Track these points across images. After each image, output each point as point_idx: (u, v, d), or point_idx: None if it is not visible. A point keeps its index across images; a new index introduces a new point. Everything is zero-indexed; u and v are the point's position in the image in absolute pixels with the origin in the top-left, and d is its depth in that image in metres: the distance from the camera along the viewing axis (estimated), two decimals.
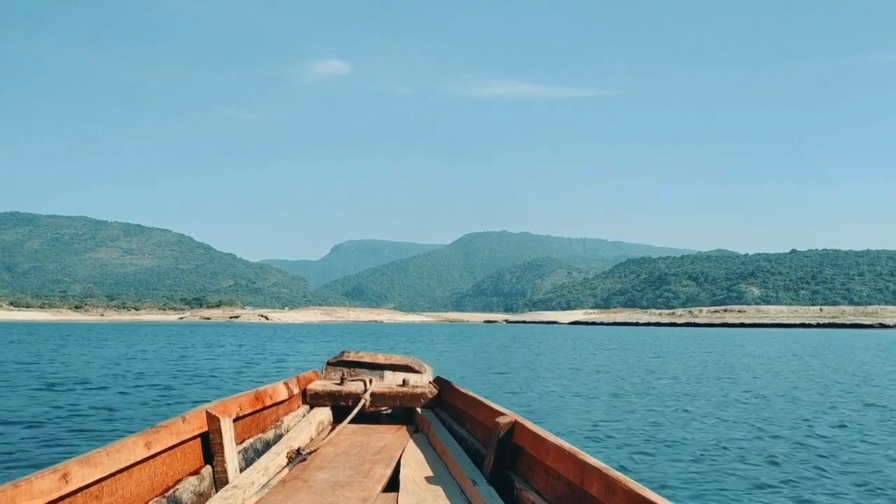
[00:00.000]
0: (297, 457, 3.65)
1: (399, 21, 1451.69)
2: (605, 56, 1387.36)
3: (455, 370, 18.00)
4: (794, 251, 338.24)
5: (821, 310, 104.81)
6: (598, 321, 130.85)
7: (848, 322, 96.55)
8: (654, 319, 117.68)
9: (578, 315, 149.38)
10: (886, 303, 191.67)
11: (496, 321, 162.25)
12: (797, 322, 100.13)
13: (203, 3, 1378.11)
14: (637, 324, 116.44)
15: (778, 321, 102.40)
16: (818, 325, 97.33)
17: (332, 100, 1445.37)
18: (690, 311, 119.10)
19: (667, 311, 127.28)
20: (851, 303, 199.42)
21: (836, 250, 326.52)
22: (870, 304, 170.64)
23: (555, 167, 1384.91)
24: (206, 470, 3.17)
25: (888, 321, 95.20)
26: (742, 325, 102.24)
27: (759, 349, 33.89)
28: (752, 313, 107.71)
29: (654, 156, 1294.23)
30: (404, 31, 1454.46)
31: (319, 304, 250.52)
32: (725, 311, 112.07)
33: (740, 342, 44.00)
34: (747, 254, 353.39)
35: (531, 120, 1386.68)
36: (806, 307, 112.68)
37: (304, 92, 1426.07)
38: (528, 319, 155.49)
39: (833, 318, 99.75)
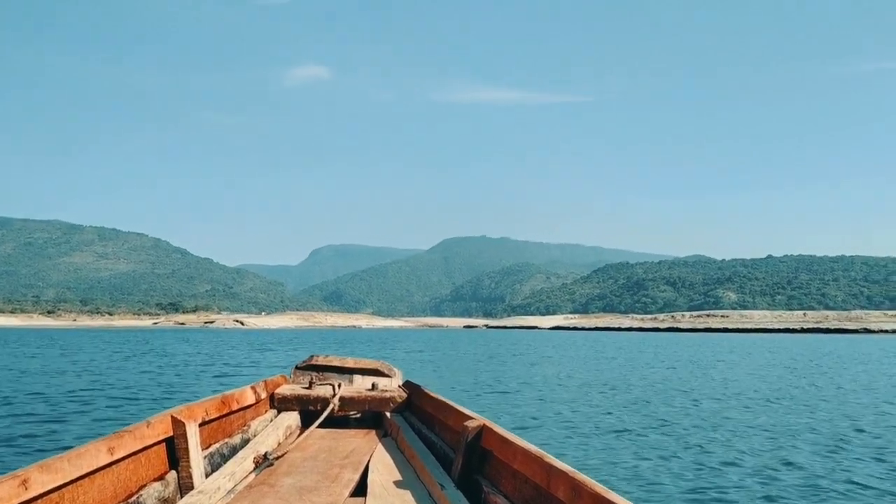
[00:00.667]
0: (263, 462, 3.58)
1: (380, 27, 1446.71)
2: (584, 62, 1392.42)
3: (437, 386, 14.99)
4: (770, 257, 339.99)
5: (804, 314, 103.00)
6: (579, 326, 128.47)
7: (832, 327, 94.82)
8: (636, 324, 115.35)
9: (559, 320, 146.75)
10: (861, 307, 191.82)
11: (476, 326, 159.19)
12: (781, 327, 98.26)
13: (184, 7, 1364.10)
14: (619, 329, 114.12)
15: (762, 326, 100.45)
16: (802, 331, 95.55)
17: (313, 105, 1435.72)
18: (672, 316, 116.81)
19: (649, 317, 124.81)
20: (827, 307, 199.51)
21: (811, 256, 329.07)
22: (845, 308, 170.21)
23: (534, 172, 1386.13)
24: (171, 475, 3.11)
25: (872, 326, 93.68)
26: (726, 329, 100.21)
27: (764, 357, 31.27)
28: (735, 318, 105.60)
29: (632, 161, 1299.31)
30: (385, 37, 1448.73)
31: (297, 310, 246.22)
32: (708, 315, 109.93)
33: (737, 348, 41.41)
34: (724, 259, 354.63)
35: (511, 125, 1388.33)
36: (790, 312, 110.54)
37: (284, 97, 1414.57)
38: (508, 324, 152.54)
39: (817, 322, 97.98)
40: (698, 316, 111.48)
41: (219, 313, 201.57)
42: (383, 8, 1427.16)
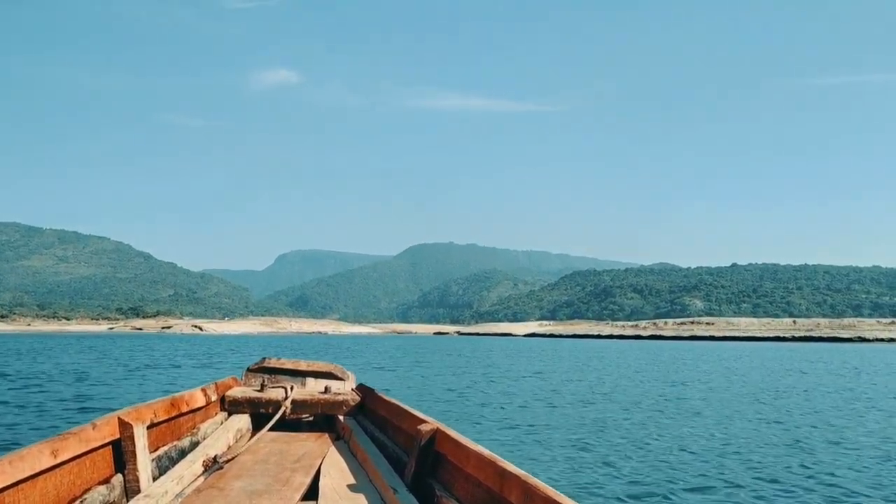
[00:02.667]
0: (213, 465, 3.48)
1: (348, 33, 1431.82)
2: (554, 73, 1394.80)
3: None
4: (734, 265, 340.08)
5: (794, 322, 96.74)
6: (556, 333, 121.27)
7: (825, 336, 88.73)
8: (617, 332, 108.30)
9: (534, 327, 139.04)
10: (824, 316, 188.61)
11: (447, 333, 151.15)
12: (771, 335, 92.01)
13: (147, 9, 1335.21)
14: (599, 336, 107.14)
15: (749, 334, 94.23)
16: (793, 339, 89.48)
17: (280, 109, 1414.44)
18: (655, 324, 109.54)
19: (629, 324, 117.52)
20: (791, 315, 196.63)
21: (774, 264, 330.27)
22: (809, 317, 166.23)
23: (501, 179, 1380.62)
24: (117, 479, 3.00)
25: (866, 334, 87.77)
26: (712, 338, 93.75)
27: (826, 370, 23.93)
28: (721, 325, 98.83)
29: (598, 170, 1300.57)
30: (354, 43, 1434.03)
31: (262, 315, 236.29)
32: (692, 322, 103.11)
33: (778, 361, 34.18)
34: (689, 267, 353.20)
35: (479, 133, 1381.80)
36: (778, 319, 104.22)
37: (251, 100, 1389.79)
38: (481, 331, 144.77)
39: (808, 331, 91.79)
40: (681, 323, 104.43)
41: (180, 318, 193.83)
42: (353, 14, 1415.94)
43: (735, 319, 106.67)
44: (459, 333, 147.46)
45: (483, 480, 2.57)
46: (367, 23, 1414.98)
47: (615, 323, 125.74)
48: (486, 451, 2.68)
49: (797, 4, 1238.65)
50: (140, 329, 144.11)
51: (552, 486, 2.16)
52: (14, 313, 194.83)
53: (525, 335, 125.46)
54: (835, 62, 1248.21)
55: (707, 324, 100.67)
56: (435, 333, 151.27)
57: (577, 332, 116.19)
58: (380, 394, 4.62)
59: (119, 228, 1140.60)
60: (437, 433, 3.17)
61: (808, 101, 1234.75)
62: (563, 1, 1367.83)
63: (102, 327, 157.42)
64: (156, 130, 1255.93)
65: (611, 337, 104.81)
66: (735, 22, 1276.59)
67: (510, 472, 2.37)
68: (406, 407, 3.91)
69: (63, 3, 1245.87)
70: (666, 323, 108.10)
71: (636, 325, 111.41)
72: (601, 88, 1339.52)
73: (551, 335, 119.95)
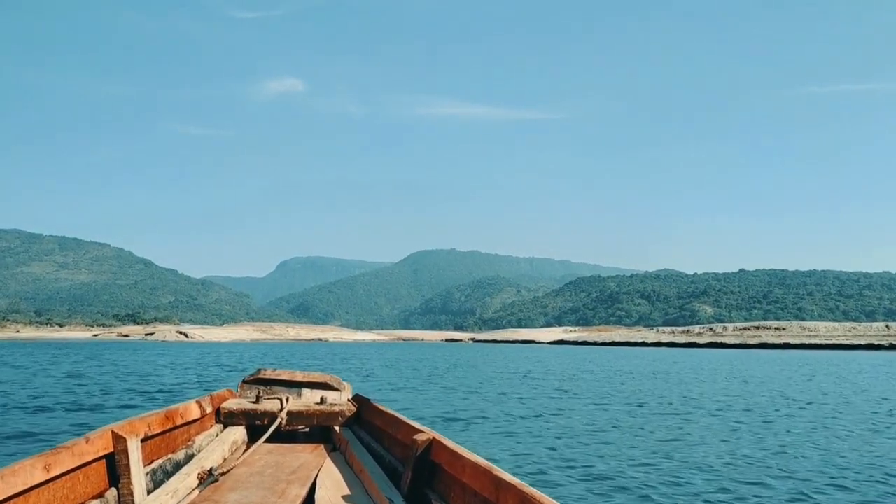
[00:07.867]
0: (208, 477, 3.38)
1: (351, 42, 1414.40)
2: (556, 81, 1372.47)
3: None
4: (742, 271, 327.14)
5: (887, 326, 78.52)
6: (588, 340, 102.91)
7: None
8: (665, 339, 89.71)
9: (558, 333, 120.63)
10: (835, 321, 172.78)
11: (460, 340, 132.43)
12: (862, 343, 73.78)
13: (152, 19, 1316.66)
14: (644, 344, 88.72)
15: (832, 341, 76.11)
16: (891, 347, 71.29)
17: (285, 117, 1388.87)
18: (712, 329, 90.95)
19: (680, 329, 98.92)
20: (803, 321, 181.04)
21: (783, 270, 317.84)
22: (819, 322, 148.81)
23: (503, 186, 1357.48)
24: (111, 493, 2.91)
25: None
26: (787, 345, 75.68)
27: None
28: (794, 330, 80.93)
29: (599, 176, 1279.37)
30: (357, 51, 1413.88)
31: (262, 321, 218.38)
32: (758, 328, 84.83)
33: None
34: (696, 273, 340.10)
35: (481, 140, 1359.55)
36: (866, 324, 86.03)
37: (257, 109, 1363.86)
38: (498, 338, 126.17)
39: None
40: (745, 328, 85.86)
41: (178, 324, 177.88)
42: (355, 23, 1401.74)
43: (811, 324, 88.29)
44: (474, 341, 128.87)
45: (479, 490, 2.49)
46: (370, 32, 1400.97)
47: (663, 329, 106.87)
48: (481, 461, 2.60)
49: (805, 11, 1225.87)
50: (126, 336, 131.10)
51: (550, 496, 2.09)
52: (8, 320, 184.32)
53: (551, 342, 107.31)
54: (842, 70, 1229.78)
55: (777, 329, 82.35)
56: (446, 340, 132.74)
57: (616, 339, 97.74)
58: (376, 404, 4.49)
59: (120, 235, 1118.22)
60: (432, 443, 3.06)
61: (813, 108, 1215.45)
62: (565, 6, 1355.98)
63: (87, 334, 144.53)
64: (159, 139, 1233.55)
65: (659, 345, 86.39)
66: (741, 27, 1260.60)
67: (506, 482, 2.30)
68: (402, 417, 3.78)
69: (67, 12, 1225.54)
70: (725, 328, 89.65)
71: (688, 331, 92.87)
72: (604, 95, 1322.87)
73: (584, 342, 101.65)
